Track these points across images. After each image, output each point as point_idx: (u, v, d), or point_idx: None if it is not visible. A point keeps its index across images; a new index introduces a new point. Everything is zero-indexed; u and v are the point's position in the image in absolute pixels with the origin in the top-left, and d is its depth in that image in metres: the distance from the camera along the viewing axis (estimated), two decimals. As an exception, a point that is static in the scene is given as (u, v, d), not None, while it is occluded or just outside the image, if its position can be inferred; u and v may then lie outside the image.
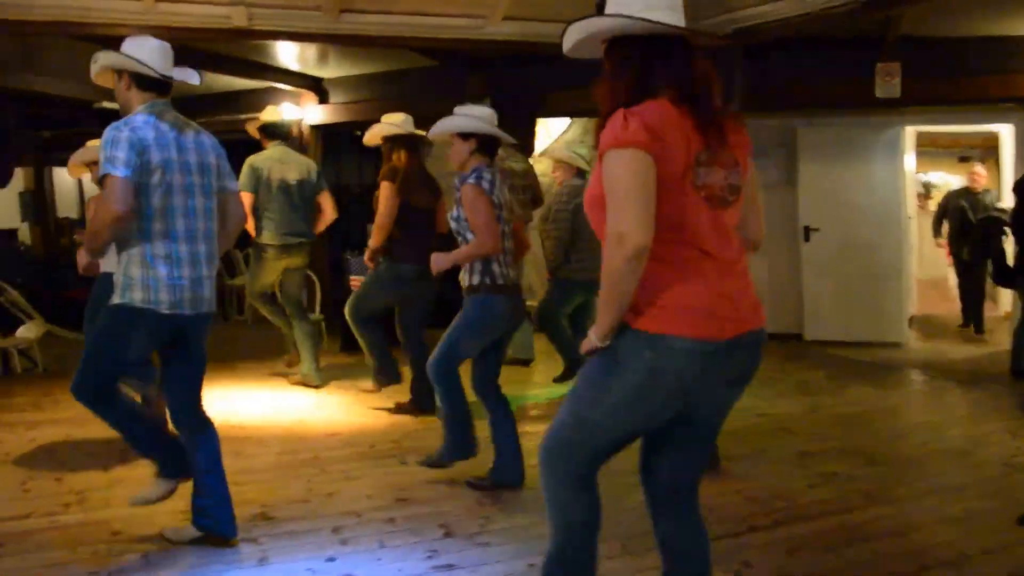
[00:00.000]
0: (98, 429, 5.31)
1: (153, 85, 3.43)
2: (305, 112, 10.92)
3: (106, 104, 10.86)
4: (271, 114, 6.67)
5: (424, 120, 9.16)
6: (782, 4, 7.93)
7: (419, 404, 5.65)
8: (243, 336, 9.37)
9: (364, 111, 10.59)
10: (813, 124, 8.91)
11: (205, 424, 3.67)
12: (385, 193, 5.47)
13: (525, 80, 9.81)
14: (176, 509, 4.04)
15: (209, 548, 3.64)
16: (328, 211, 6.63)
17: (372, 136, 5.74)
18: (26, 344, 7.22)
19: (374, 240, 5.57)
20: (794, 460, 4.77)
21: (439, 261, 4.18)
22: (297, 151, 6.87)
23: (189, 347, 3.52)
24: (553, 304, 6.25)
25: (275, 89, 10.74)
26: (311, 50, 9.81)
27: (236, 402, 6.22)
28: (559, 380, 6.32)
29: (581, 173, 6.15)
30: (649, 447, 2.55)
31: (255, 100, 11.06)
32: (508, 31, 8.25)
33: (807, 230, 8.82)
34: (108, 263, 4.85)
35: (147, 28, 7.09)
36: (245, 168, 6.35)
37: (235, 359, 7.22)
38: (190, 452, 3.62)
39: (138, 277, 3.33)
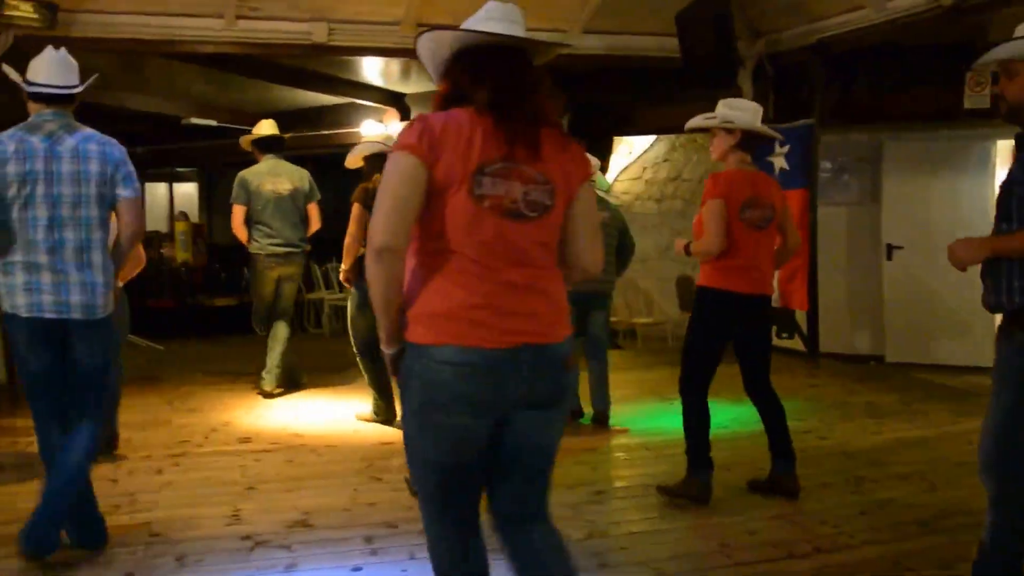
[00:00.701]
0: (154, 435, 5.54)
1: (39, 97, 3.47)
2: (389, 128, 11.08)
3: (194, 120, 11.28)
4: (264, 128, 6.76)
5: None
6: (865, 11, 7.73)
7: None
8: (318, 349, 9.50)
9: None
10: (900, 138, 8.59)
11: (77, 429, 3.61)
12: (355, 215, 5.44)
13: (605, 97, 9.78)
14: (219, 514, 4.13)
15: (238, 553, 3.70)
16: (314, 220, 6.76)
17: (354, 159, 5.65)
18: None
19: (344, 263, 5.63)
20: (849, 485, 4.57)
21: None
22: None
23: (73, 350, 3.53)
24: None
25: (357, 105, 10.95)
26: (394, 65, 9.97)
27: (298, 411, 6.34)
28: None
29: None
30: (486, 473, 2.39)
31: (338, 116, 11.31)
32: (590, 44, 8.26)
33: (890, 248, 8.50)
34: None
35: (228, 44, 7.38)
36: (236, 182, 6.55)
37: (307, 370, 7.31)
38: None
39: (2, 283, 3.45)
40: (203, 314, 10.98)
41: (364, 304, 5.56)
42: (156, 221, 13.95)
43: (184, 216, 12.96)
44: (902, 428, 5.86)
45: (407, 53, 8.25)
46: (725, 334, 4.35)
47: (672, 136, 10.74)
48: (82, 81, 3.59)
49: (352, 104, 10.99)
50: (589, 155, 5.95)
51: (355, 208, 5.50)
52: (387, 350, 2.27)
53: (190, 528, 3.97)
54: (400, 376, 2.27)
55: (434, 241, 2.21)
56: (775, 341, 8.77)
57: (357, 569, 3.55)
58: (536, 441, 2.35)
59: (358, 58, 8.95)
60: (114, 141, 3.62)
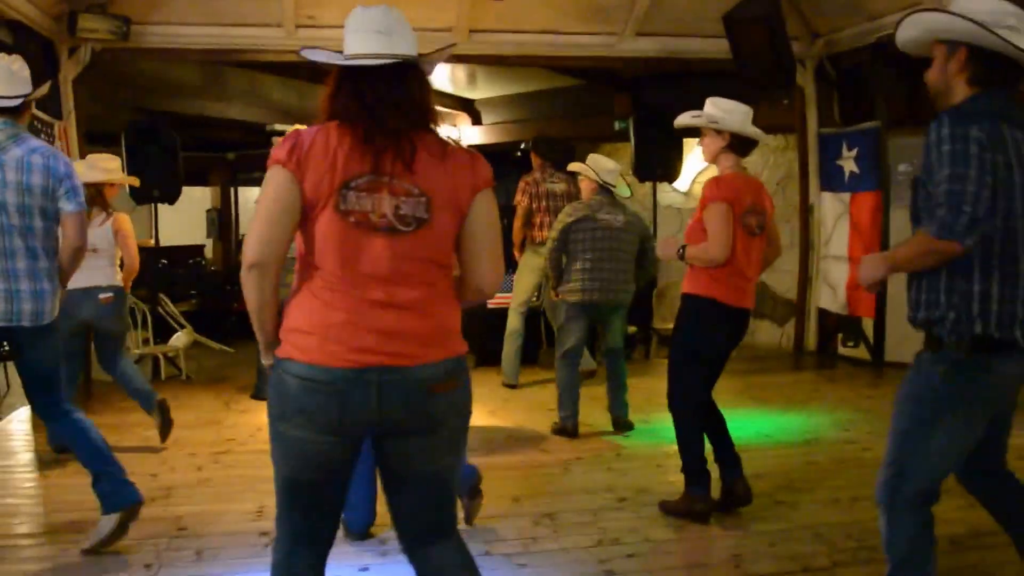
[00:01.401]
0: (203, 434, 5.72)
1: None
2: (461, 132, 11.21)
3: (277, 126, 11.60)
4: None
5: (566, 140, 9.19)
6: (923, 8, 7.36)
7: None
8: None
9: (516, 131, 10.78)
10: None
11: (64, 414, 3.79)
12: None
13: (669, 100, 9.67)
14: (245, 510, 4.26)
15: (255, 548, 3.81)
16: None
17: None
18: (174, 352, 7.79)
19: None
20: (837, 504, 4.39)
21: None
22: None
23: (23, 355, 3.66)
24: (560, 334, 5.95)
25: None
26: (460, 71, 10.10)
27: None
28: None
29: (606, 190, 5.70)
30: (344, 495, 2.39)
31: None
32: (643, 47, 8.22)
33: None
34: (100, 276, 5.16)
35: (288, 53, 7.59)
36: None
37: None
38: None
39: None
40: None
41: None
42: (248, 225, 14.37)
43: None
44: None
45: (460, 60, 8.38)
46: (713, 346, 4.17)
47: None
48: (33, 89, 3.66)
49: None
50: (607, 159, 5.81)
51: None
52: (264, 362, 2.31)
53: (216, 523, 4.10)
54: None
55: (309, 256, 2.21)
56: (840, 349, 8.59)
57: (364, 569, 3.62)
58: (418, 468, 2.30)
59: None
60: (60, 154, 3.70)
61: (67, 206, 3.64)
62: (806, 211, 8.78)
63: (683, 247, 4.11)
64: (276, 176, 2.15)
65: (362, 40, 2.24)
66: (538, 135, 7.97)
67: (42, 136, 6.16)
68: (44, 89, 3.84)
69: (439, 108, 11.01)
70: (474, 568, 2.41)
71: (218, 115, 10.28)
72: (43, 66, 6.65)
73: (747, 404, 6.40)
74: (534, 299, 7.60)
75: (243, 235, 13.87)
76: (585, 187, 5.83)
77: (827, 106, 8.62)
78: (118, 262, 5.33)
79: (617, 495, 4.52)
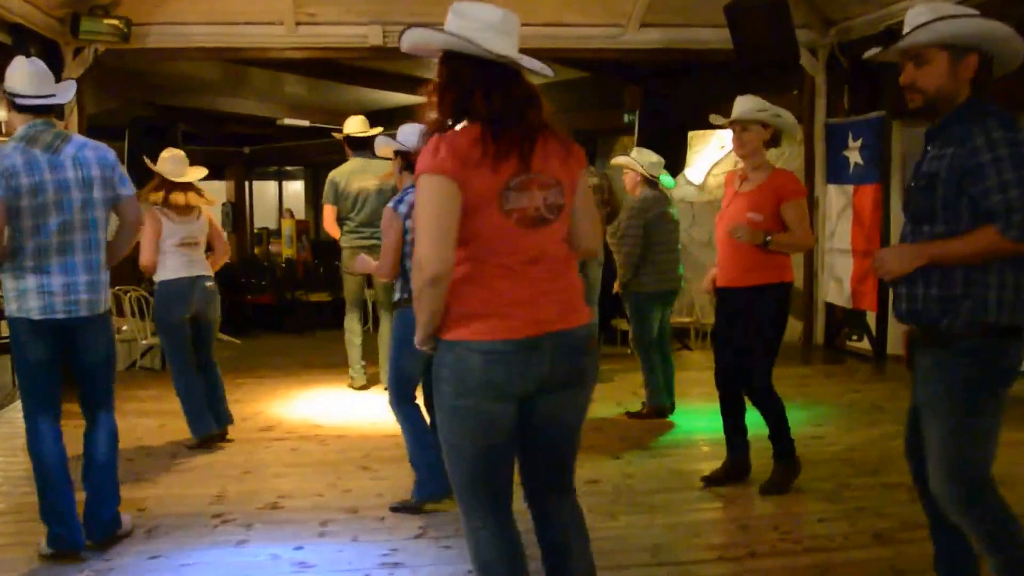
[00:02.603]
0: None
1: (27, 108, 3.65)
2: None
3: (287, 120, 11.85)
4: (349, 126, 7.00)
5: (579, 133, 9.22)
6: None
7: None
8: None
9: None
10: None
11: (95, 422, 3.85)
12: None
13: (678, 91, 9.65)
14: (206, 494, 4.41)
15: (204, 528, 4.01)
16: None
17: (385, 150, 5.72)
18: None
19: None
20: (827, 493, 4.42)
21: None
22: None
23: (76, 348, 3.73)
24: (636, 328, 6.09)
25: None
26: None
27: (336, 404, 6.59)
28: (632, 415, 6.07)
29: (652, 183, 5.88)
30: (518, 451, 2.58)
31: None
32: (649, 38, 8.22)
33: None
34: (202, 266, 5.37)
35: (290, 50, 7.79)
36: (327, 182, 6.84)
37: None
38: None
39: (11, 289, 3.63)
40: (298, 309, 11.43)
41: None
42: (265, 218, 14.66)
43: (290, 214, 13.62)
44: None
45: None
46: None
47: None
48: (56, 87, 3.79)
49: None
50: (650, 152, 5.86)
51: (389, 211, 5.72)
52: (425, 347, 2.48)
53: (175, 505, 4.31)
54: (434, 376, 2.47)
55: (471, 250, 2.37)
56: (847, 343, 8.52)
57: (299, 548, 3.77)
58: (563, 419, 2.55)
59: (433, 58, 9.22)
60: (104, 146, 3.86)
61: (124, 191, 3.82)
62: (812, 204, 8.70)
63: (769, 235, 4.22)
64: (442, 185, 2.29)
65: (494, 39, 2.35)
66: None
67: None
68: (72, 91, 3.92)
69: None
70: (586, 529, 2.67)
71: (233, 110, 10.52)
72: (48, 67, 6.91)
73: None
74: None
75: (262, 227, 14.14)
76: (630, 180, 5.97)
77: (837, 96, 8.54)
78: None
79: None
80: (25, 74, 3.68)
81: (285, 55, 7.82)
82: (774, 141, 4.40)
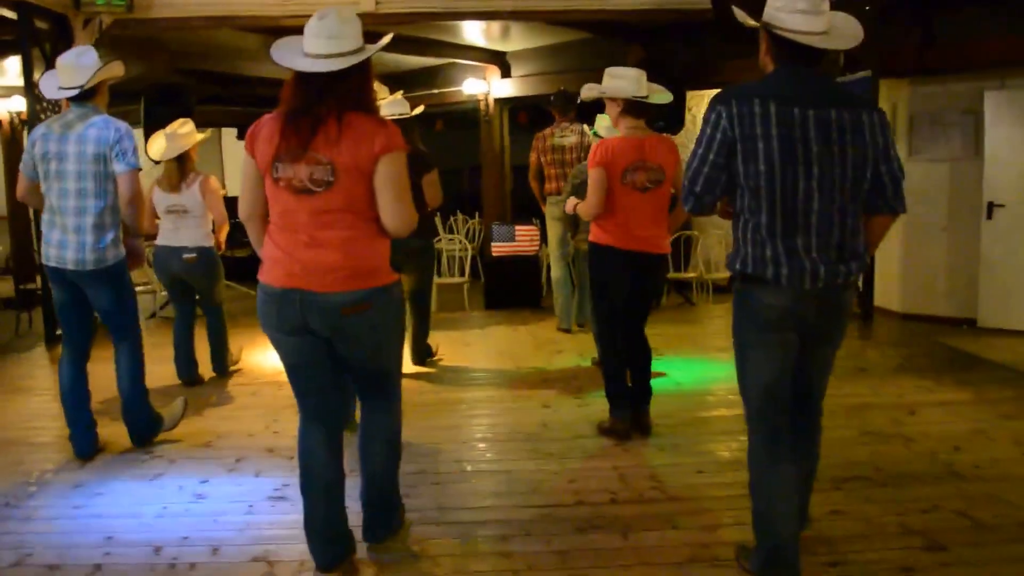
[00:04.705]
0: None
1: (70, 98, 4.35)
2: (490, 86, 11.49)
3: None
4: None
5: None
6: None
7: (415, 359, 6.48)
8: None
9: (543, 84, 10.96)
10: (1006, 86, 7.93)
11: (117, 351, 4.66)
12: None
13: (675, 52, 9.66)
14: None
15: (135, 461, 4.47)
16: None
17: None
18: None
19: None
20: (713, 444, 4.61)
21: None
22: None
23: (85, 296, 4.44)
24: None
25: (459, 64, 11.46)
26: (495, 27, 10.35)
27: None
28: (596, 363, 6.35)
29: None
30: None
31: (445, 75, 11.88)
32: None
33: (991, 206, 7.92)
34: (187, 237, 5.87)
35: (284, 18, 8.10)
36: None
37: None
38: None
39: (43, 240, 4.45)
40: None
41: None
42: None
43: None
44: (876, 396, 5.56)
45: (454, 16, 8.67)
46: (611, 283, 4.70)
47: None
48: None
49: (453, 64, 11.52)
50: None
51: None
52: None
53: (124, 442, 4.70)
54: None
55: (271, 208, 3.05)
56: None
57: (204, 481, 4.16)
58: (338, 355, 3.16)
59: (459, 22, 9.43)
60: (113, 124, 4.30)
61: (117, 167, 4.32)
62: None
63: (577, 204, 4.82)
64: (245, 157, 3.05)
65: (312, 45, 2.95)
66: (558, 90, 8.02)
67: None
68: (115, 69, 4.45)
69: (468, 63, 11.35)
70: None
71: (259, 74, 10.95)
72: (56, 39, 7.43)
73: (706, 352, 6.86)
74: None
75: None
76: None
77: (836, 54, 8.46)
78: (210, 223, 6.00)
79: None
80: (60, 68, 4.30)
81: (279, 23, 8.13)
82: (634, 110, 4.67)
